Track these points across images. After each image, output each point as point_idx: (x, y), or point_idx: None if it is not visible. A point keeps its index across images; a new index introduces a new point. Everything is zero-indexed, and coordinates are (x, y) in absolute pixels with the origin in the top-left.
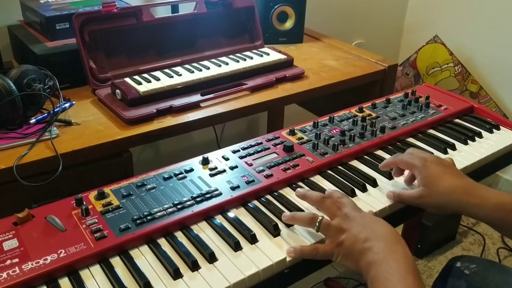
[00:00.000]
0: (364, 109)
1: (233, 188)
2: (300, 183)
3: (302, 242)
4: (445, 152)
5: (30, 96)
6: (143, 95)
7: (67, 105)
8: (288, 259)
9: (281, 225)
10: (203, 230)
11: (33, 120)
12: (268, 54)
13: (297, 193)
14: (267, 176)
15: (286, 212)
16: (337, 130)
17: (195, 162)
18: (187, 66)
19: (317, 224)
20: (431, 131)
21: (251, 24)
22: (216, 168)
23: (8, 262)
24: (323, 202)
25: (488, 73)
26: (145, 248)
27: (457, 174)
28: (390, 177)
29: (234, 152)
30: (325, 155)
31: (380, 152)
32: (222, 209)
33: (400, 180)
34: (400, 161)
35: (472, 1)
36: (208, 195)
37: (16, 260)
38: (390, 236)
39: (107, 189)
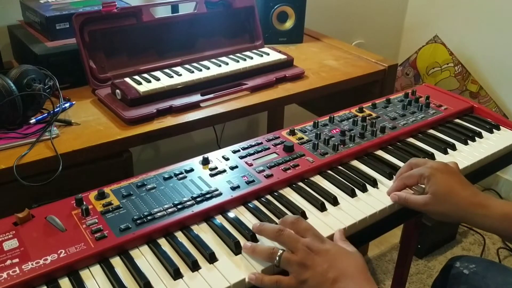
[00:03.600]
0: (364, 109)
1: (233, 188)
2: (300, 183)
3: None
4: (445, 152)
5: (30, 96)
6: (143, 95)
7: (67, 105)
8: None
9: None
10: (203, 230)
11: (33, 120)
12: (268, 54)
13: (253, 228)
14: (267, 176)
15: (247, 243)
16: (337, 130)
17: (195, 162)
18: (187, 66)
19: (277, 258)
20: (431, 131)
21: (251, 24)
22: (216, 168)
23: (8, 262)
24: (280, 236)
25: (488, 73)
26: (145, 248)
27: (463, 183)
28: (390, 177)
29: (234, 152)
30: (325, 155)
31: (380, 152)
32: (222, 209)
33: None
34: (408, 178)
35: (472, 1)
36: (208, 195)
37: (16, 260)
38: (358, 273)
39: (107, 189)
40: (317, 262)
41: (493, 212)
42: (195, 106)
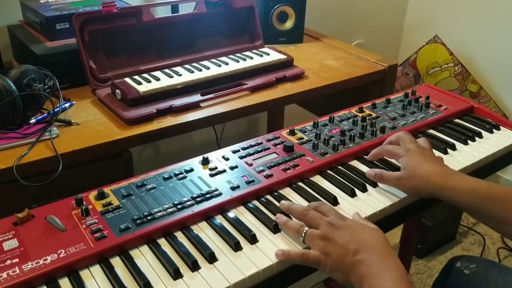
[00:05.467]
0: (364, 109)
1: (233, 188)
2: (300, 183)
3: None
4: (445, 152)
5: (30, 96)
6: (143, 95)
7: (67, 105)
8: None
9: None
10: (203, 230)
11: (33, 120)
12: (268, 54)
13: (281, 206)
14: (267, 176)
15: (282, 217)
16: (337, 130)
17: (195, 162)
18: (187, 66)
19: (302, 234)
20: (431, 131)
21: (251, 24)
22: (216, 168)
23: (8, 262)
24: (306, 215)
25: (488, 73)
26: (145, 248)
27: (436, 161)
28: None
29: (234, 152)
30: (325, 155)
31: None
32: (222, 209)
33: None
34: (386, 152)
35: (472, 1)
36: (208, 195)
37: (16, 260)
38: (381, 246)
39: (107, 189)
40: (338, 236)
41: (462, 186)
42: (195, 106)
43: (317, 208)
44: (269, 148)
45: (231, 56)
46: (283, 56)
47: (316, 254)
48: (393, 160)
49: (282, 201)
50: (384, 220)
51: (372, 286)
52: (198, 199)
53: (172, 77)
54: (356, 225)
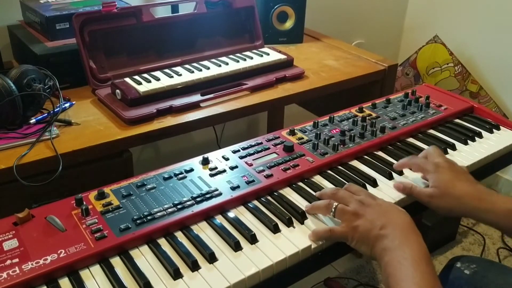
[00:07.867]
0: (364, 109)
1: (233, 188)
2: (300, 183)
3: (302, 242)
4: (445, 152)
5: (30, 96)
6: (143, 95)
7: (67, 105)
8: (294, 251)
9: (281, 225)
10: (203, 230)
11: (33, 120)
12: (268, 54)
13: (316, 194)
14: (267, 176)
15: (308, 204)
16: (337, 130)
17: (195, 162)
18: (187, 66)
19: (332, 209)
20: (431, 131)
21: (251, 24)
22: (216, 168)
23: (8, 262)
24: (336, 194)
25: (488, 73)
26: (145, 248)
27: (469, 180)
28: (390, 177)
29: (234, 152)
30: (325, 155)
31: (380, 152)
32: (222, 209)
33: (399, 179)
34: (414, 164)
35: (472, 1)
36: (208, 195)
37: (16, 260)
38: (406, 225)
39: (107, 189)
40: (368, 212)
41: (498, 207)
42: (195, 106)
43: (347, 188)
44: (269, 148)
45: (231, 56)
46: (283, 56)
47: (344, 229)
48: (393, 160)
49: (318, 192)
50: None
51: (392, 258)
52: (198, 199)
53: (172, 77)
54: (386, 205)
